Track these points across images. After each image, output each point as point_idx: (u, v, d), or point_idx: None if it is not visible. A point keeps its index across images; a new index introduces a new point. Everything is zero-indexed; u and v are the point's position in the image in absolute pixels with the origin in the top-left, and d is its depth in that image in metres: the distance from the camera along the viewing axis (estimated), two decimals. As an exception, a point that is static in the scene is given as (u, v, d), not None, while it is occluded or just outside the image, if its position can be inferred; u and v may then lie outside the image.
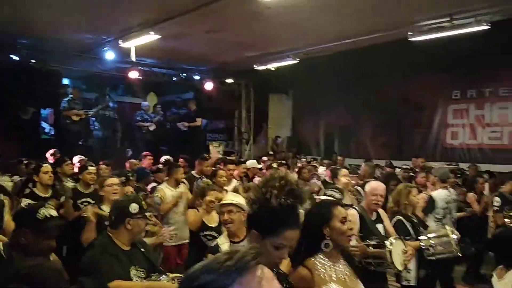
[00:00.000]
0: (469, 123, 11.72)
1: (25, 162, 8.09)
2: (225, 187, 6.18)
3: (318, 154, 14.57)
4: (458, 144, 11.93)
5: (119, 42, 9.71)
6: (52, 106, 11.91)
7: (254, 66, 12.14)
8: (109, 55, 10.73)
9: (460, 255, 4.48)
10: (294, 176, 7.32)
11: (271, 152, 13.43)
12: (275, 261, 1.96)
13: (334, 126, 14.57)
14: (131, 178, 6.55)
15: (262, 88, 14.87)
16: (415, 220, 4.79)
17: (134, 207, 3.22)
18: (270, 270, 1.01)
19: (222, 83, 14.30)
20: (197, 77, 13.64)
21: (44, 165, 5.76)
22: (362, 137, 13.79)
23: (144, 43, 9.41)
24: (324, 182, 6.96)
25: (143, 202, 3.47)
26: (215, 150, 12.42)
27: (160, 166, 8.16)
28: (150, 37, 8.99)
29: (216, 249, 3.27)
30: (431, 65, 11.02)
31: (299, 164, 10.44)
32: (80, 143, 11.59)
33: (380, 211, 4.49)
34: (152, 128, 12.78)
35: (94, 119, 12.39)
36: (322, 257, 2.52)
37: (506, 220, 5.76)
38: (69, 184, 6.49)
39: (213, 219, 4.81)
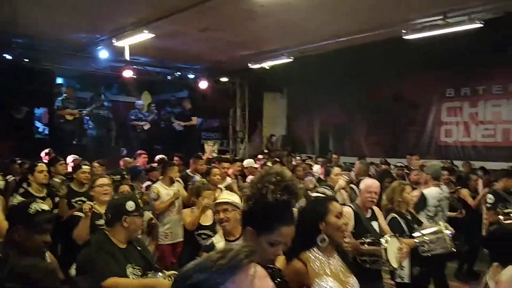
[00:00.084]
0: (463, 120, 11.79)
1: (18, 161, 8.07)
2: (219, 185, 6.18)
3: (313, 152, 14.60)
4: (452, 141, 12.00)
5: (113, 41, 9.67)
6: (46, 106, 11.86)
7: (249, 64, 12.13)
8: (103, 54, 10.69)
9: (455, 250, 4.50)
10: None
11: (266, 151, 13.43)
12: (270, 257, 1.96)
13: (329, 124, 14.60)
14: (126, 176, 6.54)
15: (257, 87, 14.87)
16: (409, 218, 4.81)
17: (130, 205, 3.22)
18: (263, 268, 1.01)
19: (216, 81, 14.28)
20: (191, 76, 13.62)
21: (39, 164, 5.76)
22: (356, 135, 13.83)
23: (138, 42, 9.38)
24: (319, 180, 6.97)
25: (139, 200, 3.47)
26: (210, 149, 12.40)
27: (155, 164, 8.14)
28: (144, 36, 8.98)
29: (211, 247, 3.26)
30: (425, 63, 11.07)
31: (294, 163, 10.46)
32: (74, 142, 11.55)
33: (375, 208, 4.51)
34: (146, 127, 12.76)
35: (88, 118, 12.35)
36: (316, 251, 2.54)
37: (500, 217, 5.77)
38: (58, 179, 6.51)
39: (207, 218, 4.80)
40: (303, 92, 14.66)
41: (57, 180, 6.59)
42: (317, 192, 4.58)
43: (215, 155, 11.41)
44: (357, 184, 5.85)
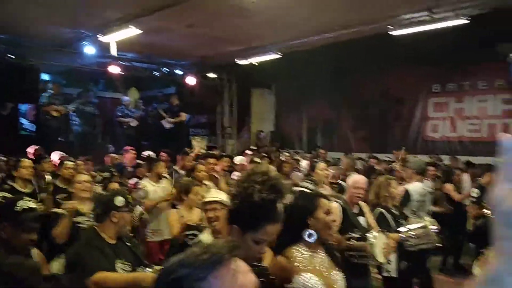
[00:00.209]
0: (449, 116, 11.91)
1: (3, 158, 7.98)
2: (204, 181, 6.15)
3: (301, 148, 14.65)
4: (438, 137, 12.12)
5: (99, 37, 9.57)
6: (31, 102, 11.73)
7: (236, 60, 12.10)
8: (89, 49, 10.57)
9: (440, 245, 4.55)
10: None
11: (254, 148, 13.43)
12: (254, 255, 1.97)
13: (317, 120, 14.65)
14: (115, 174, 6.50)
15: (245, 83, 14.84)
16: (396, 212, 4.85)
17: (119, 200, 3.22)
18: (245, 263, 1.02)
19: (204, 77, 14.21)
20: (179, 72, 13.54)
21: (23, 160, 5.73)
22: (344, 130, 13.90)
23: (124, 38, 9.30)
24: (306, 176, 6.99)
25: (129, 196, 3.46)
26: (198, 145, 12.36)
27: (140, 161, 8.10)
28: (130, 32, 8.89)
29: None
30: (411, 59, 11.13)
31: (282, 158, 10.47)
32: (60, 139, 11.45)
33: (362, 204, 4.54)
34: (133, 124, 12.68)
35: (74, 114, 12.24)
36: (302, 247, 2.58)
37: (485, 211, 5.84)
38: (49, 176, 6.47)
39: (194, 217, 4.77)
40: (291, 88, 14.68)
41: (49, 177, 6.50)
42: (300, 186, 4.60)
43: (203, 151, 11.37)
44: (344, 179, 5.89)
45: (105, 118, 13.24)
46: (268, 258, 2.61)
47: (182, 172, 7.04)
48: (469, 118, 11.51)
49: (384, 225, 4.45)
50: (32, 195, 5.34)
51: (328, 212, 2.69)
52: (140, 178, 6.76)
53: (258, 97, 15.79)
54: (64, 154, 8.04)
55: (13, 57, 10.47)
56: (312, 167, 6.66)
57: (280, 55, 11.20)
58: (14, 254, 2.55)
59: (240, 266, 0.99)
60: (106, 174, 6.61)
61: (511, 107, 10.87)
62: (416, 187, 5.93)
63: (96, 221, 3.30)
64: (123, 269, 3.08)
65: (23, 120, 12.12)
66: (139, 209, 5.18)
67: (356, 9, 8.22)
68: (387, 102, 12.88)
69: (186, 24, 9.15)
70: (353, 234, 3.88)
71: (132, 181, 6.96)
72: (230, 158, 8.97)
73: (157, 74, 13.35)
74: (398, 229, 4.55)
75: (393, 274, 4.64)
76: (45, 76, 12.56)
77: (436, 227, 4.49)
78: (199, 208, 4.51)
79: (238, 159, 8.79)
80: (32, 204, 2.80)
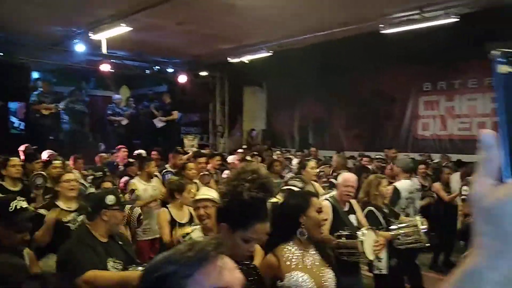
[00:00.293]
0: (439, 114, 11.96)
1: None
2: (194, 180, 6.14)
3: (293, 146, 14.66)
4: (429, 135, 12.17)
5: (90, 34, 9.51)
6: (21, 100, 11.64)
7: (228, 58, 12.09)
8: (80, 47, 10.51)
9: (428, 244, 4.58)
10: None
11: (244, 146, 13.42)
12: (243, 253, 1.97)
13: (308, 118, 14.67)
14: (107, 173, 6.48)
15: (237, 81, 14.82)
16: (386, 211, 4.87)
17: (110, 199, 3.22)
18: (232, 260, 1.01)
19: (196, 75, 14.19)
20: (170, 70, 13.51)
21: (12, 158, 5.67)
22: (335, 129, 13.93)
23: (115, 35, 9.24)
24: (297, 174, 6.99)
25: (121, 195, 3.45)
26: (190, 144, 12.33)
27: (131, 160, 8.06)
28: (121, 29, 8.85)
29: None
30: (402, 58, 11.16)
31: (274, 157, 10.47)
32: (51, 137, 11.36)
33: (353, 202, 4.56)
34: (124, 122, 12.62)
35: (63, 112, 12.16)
36: (292, 245, 2.59)
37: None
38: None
39: (184, 215, 4.76)
40: (283, 86, 14.67)
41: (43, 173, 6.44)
42: (288, 185, 4.63)
43: (195, 149, 11.34)
44: (336, 178, 5.90)
45: (96, 116, 13.17)
46: (259, 257, 2.63)
47: (170, 174, 7.01)
48: (459, 116, 11.58)
49: (374, 223, 4.47)
50: (22, 194, 5.31)
51: (319, 211, 2.72)
52: (132, 177, 6.73)
53: (250, 95, 15.78)
54: (54, 152, 8.00)
55: (3, 55, 10.40)
56: (302, 165, 6.66)
57: (272, 53, 11.20)
58: (5, 253, 2.53)
59: (226, 263, 0.99)
60: (99, 173, 6.58)
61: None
62: (404, 184, 5.96)
63: (87, 219, 3.29)
64: (115, 268, 3.07)
65: (13, 119, 12.00)
66: (138, 210, 5.15)
67: (347, 7, 8.24)
68: (378, 101, 12.92)
69: (177, 22, 9.13)
70: (343, 232, 3.90)
71: (123, 179, 6.93)
72: (221, 156, 8.95)
73: (148, 72, 13.31)
74: (388, 227, 4.58)
75: (384, 271, 4.67)
76: (35, 74, 12.48)
77: (425, 227, 4.52)
78: (190, 206, 4.50)
79: (230, 158, 8.78)
80: (24, 204, 2.79)
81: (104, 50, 10.03)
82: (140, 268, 3.07)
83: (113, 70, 12.02)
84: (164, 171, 7.31)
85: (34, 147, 8.65)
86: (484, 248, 0.51)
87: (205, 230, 3.47)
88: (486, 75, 10.90)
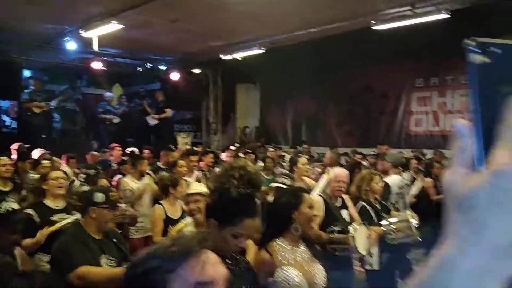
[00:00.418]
0: (432, 110, 12.00)
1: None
2: (185, 177, 6.12)
3: (286, 143, 14.64)
4: (422, 131, 12.21)
5: (81, 32, 9.45)
6: (12, 98, 11.57)
7: (221, 55, 12.06)
8: (71, 45, 10.45)
9: (420, 239, 4.60)
10: (258, 165, 7.38)
11: (238, 143, 13.41)
12: (233, 249, 1.98)
13: (302, 115, 14.66)
14: (100, 171, 6.46)
15: (230, 78, 14.79)
16: (378, 206, 4.89)
17: (98, 196, 3.21)
18: (216, 255, 1.01)
19: (189, 73, 14.15)
20: (163, 68, 13.46)
21: (1, 158, 5.63)
22: (329, 125, 13.94)
23: (106, 33, 9.19)
24: (289, 170, 6.99)
25: (112, 193, 3.42)
26: (183, 141, 12.31)
27: (125, 158, 8.04)
28: (112, 27, 8.80)
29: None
30: (395, 54, 11.19)
31: (268, 154, 10.46)
32: (43, 136, 11.30)
33: (345, 197, 4.58)
34: (116, 120, 12.55)
35: (55, 111, 12.10)
36: (283, 240, 2.61)
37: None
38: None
39: (176, 210, 4.76)
40: (276, 83, 14.65)
41: (33, 175, 6.39)
42: (277, 182, 4.65)
43: (188, 147, 11.32)
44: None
45: (88, 114, 13.10)
46: (251, 253, 2.64)
47: (165, 168, 7.00)
48: (451, 112, 11.62)
49: (366, 218, 4.49)
50: (13, 193, 5.28)
51: (311, 206, 2.74)
52: (125, 175, 6.71)
53: (243, 92, 15.75)
54: (46, 151, 7.96)
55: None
56: (293, 162, 6.66)
57: (264, 50, 11.19)
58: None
59: (210, 258, 0.99)
60: (92, 171, 6.56)
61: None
62: (394, 180, 5.98)
63: (81, 215, 3.31)
64: (108, 265, 3.08)
65: (5, 117, 11.95)
66: (122, 206, 5.13)
67: (339, 4, 8.25)
68: (371, 97, 12.94)
69: (168, 19, 9.09)
70: (335, 227, 3.91)
71: (116, 178, 6.91)
72: (214, 154, 8.95)
73: (140, 70, 13.26)
74: (379, 222, 4.59)
75: (375, 267, 4.68)
76: (26, 73, 12.39)
77: (416, 221, 4.53)
78: (182, 201, 4.51)
79: (223, 155, 8.78)
80: (15, 205, 2.78)
81: (95, 47, 9.98)
82: None
83: (105, 68, 11.96)
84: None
85: (27, 145, 8.61)
86: (456, 236, 0.51)
87: (197, 224, 3.48)
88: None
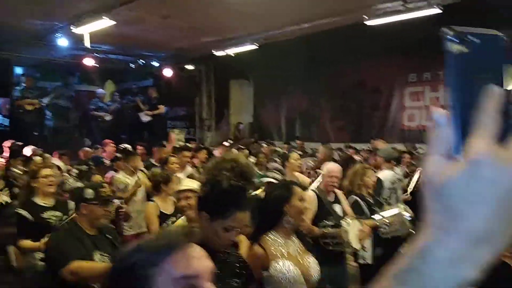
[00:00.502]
0: (425, 105, 12.03)
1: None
2: (177, 174, 6.11)
3: (280, 139, 14.65)
4: (415, 126, 12.25)
5: (72, 28, 9.38)
6: (4, 96, 11.49)
7: (213, 51, 12.02)
8: (63, 42, 10.37)
9: (414, 232, 4.61)
10: (251, 160, 7.38)
11: (230, 141, 13.37)
12: (224, 242, 1.98)
13: (295, 110, 14.67)
14: (93, 167, 6.44)
15: (223, 74, 14.75)
16: (371, 201, 4.90)
17: (88, 193, 3.21)
18: (201, 249, 1.01)
19: (181, 69, 14.09)
20: (155, 64, 13.41)
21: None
22: (322, 121, 13.96)
23: (98, 29, 9.12)
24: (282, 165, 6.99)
25: (104, 190, 3.39)
26: (176, 138, 12.27)
27: (118, 154, 8.01)
28: (104, 23, 8.72)
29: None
30: (387, 49, 11.19)
31: (262, 150, 10.46)
32: (35, 133, 11.24)
33: (338, 192, 4.59)
34: (108, 118, 12.50)
35: (47, 108, 12.03)
36: (275, 234, 2.62)
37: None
38: (17, 170, 6.37)
39: (169, 206, 4.76)
40: (269, 79, 14.64)
41: (16, 170, 6.40)
42: (267, 177, 4.66)
43: (181, 143, 11.29)
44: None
45: (81, 111, 13.04)
46: (244, 247, 2.65)
47: (158, 165, 6.98)
48: (444, 107, 11.63)
49: (358, 212, 4.50)
50: (5, 191, 5.25)
51: (302, 199, 2.77)
52: (118, 172, 6.69)
53: (237, 88, 15.72)
54: (38, 149, 7.92)
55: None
56: (285, 157, 6.66)
57: (257, 45, 11.17)
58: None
59: (195, 252, 0.99)
60: (84, 167, 6.54)
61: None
62: (386, 175, 5.99)
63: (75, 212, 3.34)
64: (102, 261, 3.09)
65: (-4, 115, 11.87)
66: (116, 202, 5.11)
67: (332, -1, 8.25)
68: (364, 92, 12.98)
69: (161, 15, 9.04)
70: (328, 222, 3.93)
71: (109, 174, 6.89)
72: (208, 150, 8.94)
73: (133, 66, 13.20)
74: (372, 216, 4.61)
75: (369, 261, 4.70)
76: (18, 70, 12.30)
77: (409, 214, 4.55)
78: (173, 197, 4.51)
79: (217, 152, 8.76)
80: (7, 199, 2.78)
81: (87, 44, 9.90)
82: None
83: (97, 65, 11.90)
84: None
85: (20, 143, 8.57)
86: (433, 225, 0.52)
87: (188, 221, 3.48)
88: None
